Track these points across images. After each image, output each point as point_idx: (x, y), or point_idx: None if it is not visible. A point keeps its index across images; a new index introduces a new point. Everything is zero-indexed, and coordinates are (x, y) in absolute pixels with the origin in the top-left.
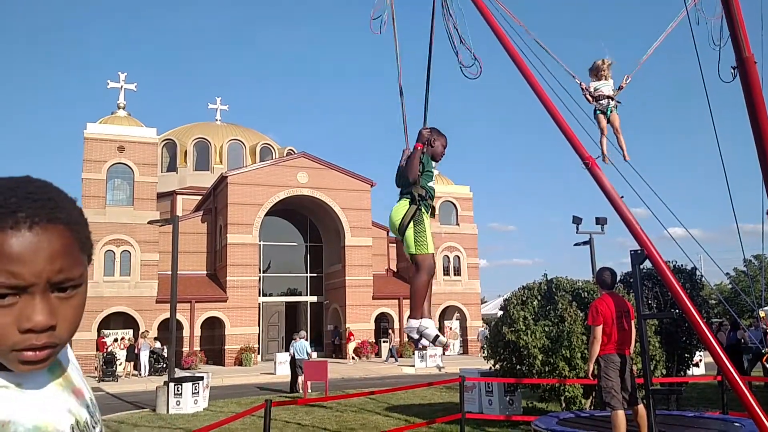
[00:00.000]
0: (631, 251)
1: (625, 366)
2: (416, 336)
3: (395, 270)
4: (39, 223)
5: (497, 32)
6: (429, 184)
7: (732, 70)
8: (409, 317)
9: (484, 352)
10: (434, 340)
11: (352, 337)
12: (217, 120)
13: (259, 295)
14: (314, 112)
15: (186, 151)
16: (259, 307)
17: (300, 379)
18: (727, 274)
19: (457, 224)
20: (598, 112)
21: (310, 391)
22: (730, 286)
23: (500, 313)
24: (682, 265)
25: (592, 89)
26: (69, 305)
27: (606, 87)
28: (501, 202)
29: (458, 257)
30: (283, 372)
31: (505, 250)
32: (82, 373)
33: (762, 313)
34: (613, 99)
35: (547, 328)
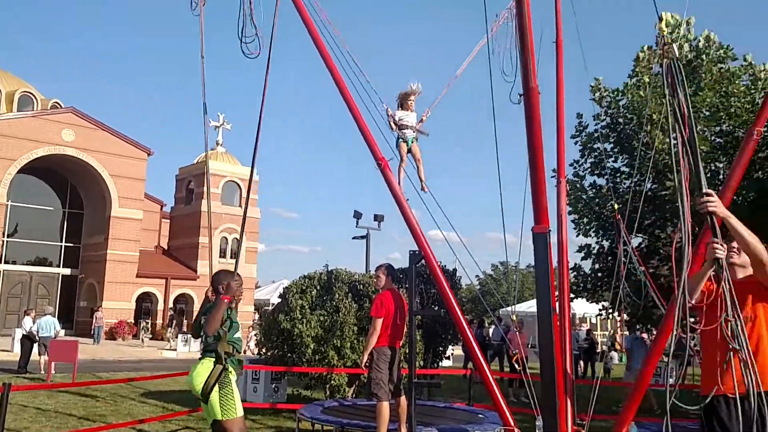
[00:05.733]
0: (410, 251)
1: (394, 358)
2: None
3: (165, 248)
4: None
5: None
6: (236, 335)
7: (519, 97)
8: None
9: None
10: None
11: None
12: None
13: (1, 262)
14: (92, 65)
15: None
16: (0, 275)
17: (43, 359)
18: (477, 276)
19: (240, 206)
20: (400, 140)
21: (54, 372)
22: (478, 287)
23: (276, 301)
24: (445, 266)
25: (396, 118)
26: None
27: (410, 118)
28: (286, 188)
29: (237, 240)
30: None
31: (284, 236)
32: None
33: (514, 317)
34: (416, 130)
35: (322, 318)
